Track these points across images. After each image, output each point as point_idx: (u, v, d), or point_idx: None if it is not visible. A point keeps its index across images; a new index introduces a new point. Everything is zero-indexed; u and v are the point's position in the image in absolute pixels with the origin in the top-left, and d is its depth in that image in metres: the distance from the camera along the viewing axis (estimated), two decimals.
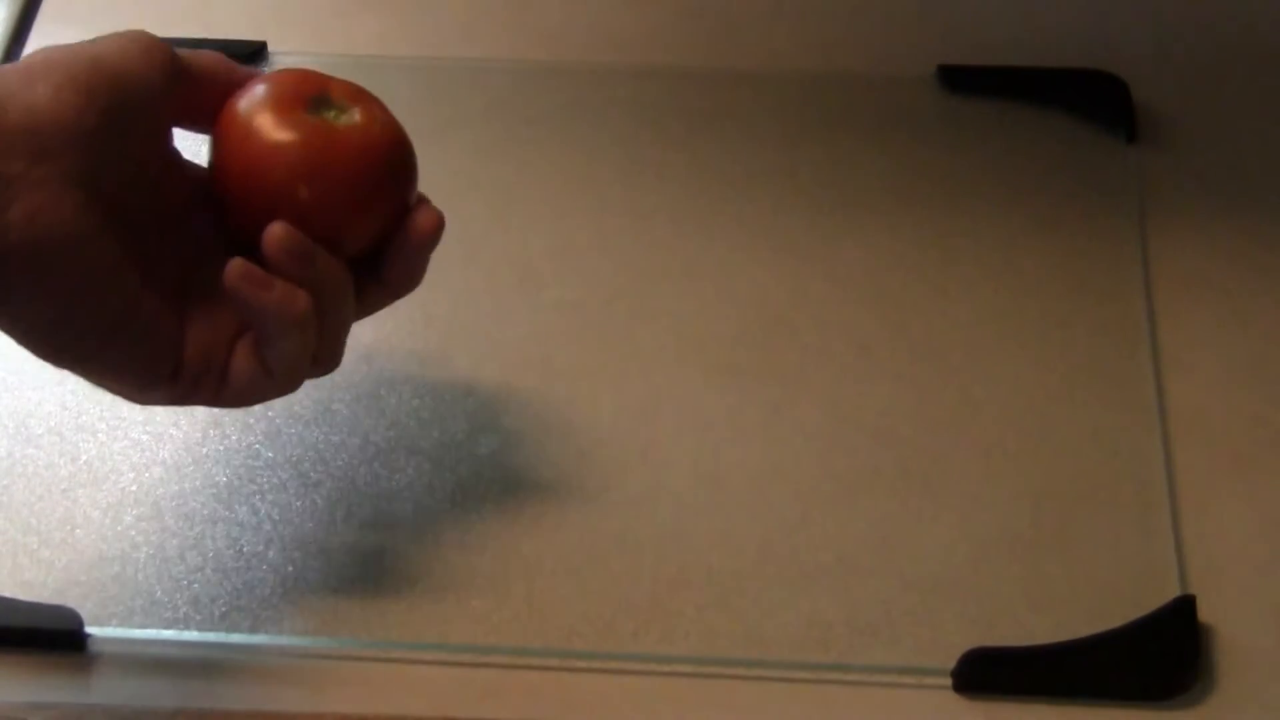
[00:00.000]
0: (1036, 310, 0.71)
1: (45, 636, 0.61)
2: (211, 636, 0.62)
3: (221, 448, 0.67)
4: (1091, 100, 0.78)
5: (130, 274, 0.54)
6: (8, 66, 0.54)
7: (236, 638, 0.62)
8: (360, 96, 0.58)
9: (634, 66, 0.81)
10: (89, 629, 0.61)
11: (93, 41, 0.55)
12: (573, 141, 0.77)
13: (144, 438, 0.67)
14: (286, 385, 0.58)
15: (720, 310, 0.72)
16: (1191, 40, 0.82)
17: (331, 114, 0.57)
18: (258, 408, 0.68)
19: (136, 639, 0.62)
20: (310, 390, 0.68)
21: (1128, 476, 0.66)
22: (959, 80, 0.80)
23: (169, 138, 0.58)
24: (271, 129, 0.56)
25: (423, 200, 0.59)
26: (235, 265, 0.55)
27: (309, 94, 0.57)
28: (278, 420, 0.68)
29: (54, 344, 0.55)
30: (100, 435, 0.67)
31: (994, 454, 0.67)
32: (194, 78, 0.57)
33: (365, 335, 0.70)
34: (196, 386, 0.57)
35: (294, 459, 0.67)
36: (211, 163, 0.58)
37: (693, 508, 0.65)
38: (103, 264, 0.53)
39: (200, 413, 0.68)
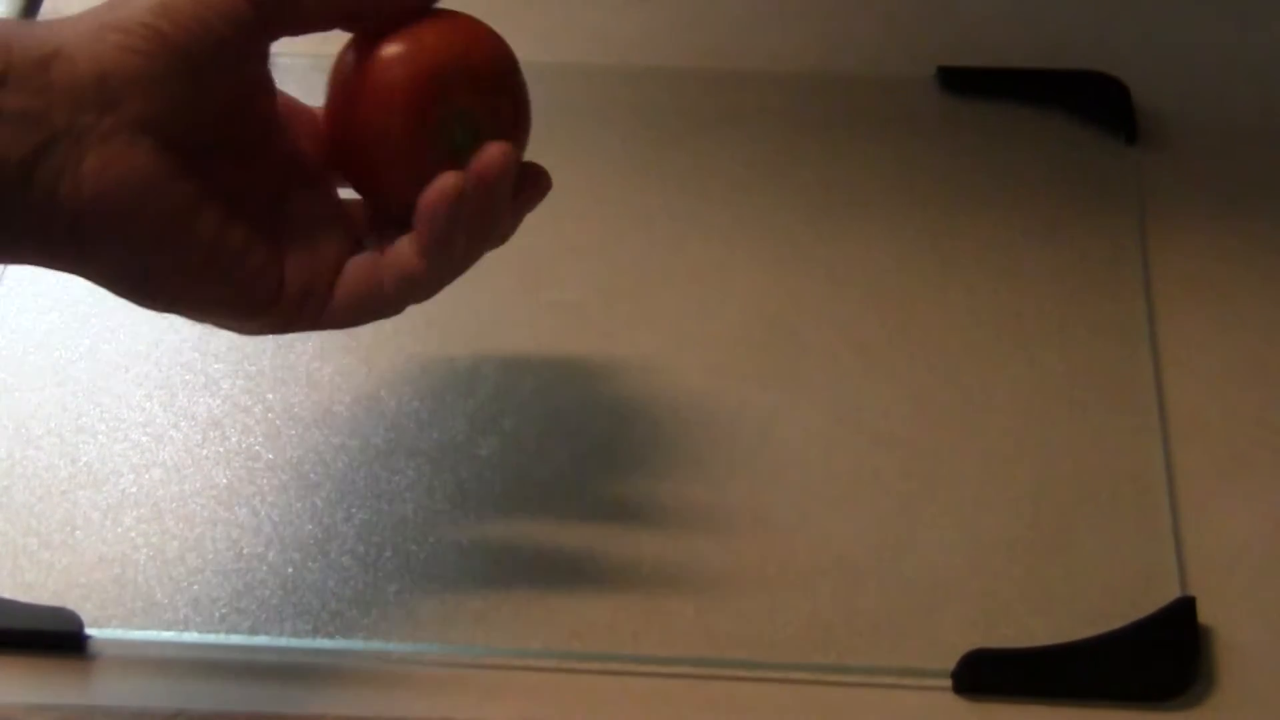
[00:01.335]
0: (1036, 311, 0.71)
1: (45, 638, 0.61)
2: (211, 638, 0.62)
3: (221, 449, 0.67)
4: (1091, 102, 0.78)
5: (212, 212, 0.54)
6: (78, 16, 0.53)
7: (236, 639, 0.62)
8: (493, 98, 0.58)
9: (634, 67, 0.81)
10: (89, 631, 0.61)
11: None
12: (573, 141, 0.77)
13: (144, 439, 0.67)
14: (398, 308, 0.59)
15: (720, 311, 0.72)
16: (1191, 41, 0.82)
17: (457, 138, 0.56)
18: (257, 408, 0.68)
19: (136, 641, 0.62)
20: (310, 392, 0.69)
21: (1128, 476, 0.66)
22: (959, 82, 0.80)
23: (259, 64, 0.56)
24: (399, 149, 0.56)
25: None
26: (451, 182, 0.55)
27: (440, 96, 0.56)
28: (278, 422, 0.68)
29: (143, 289, 0.54)
30: (100, 437, 0.67)
31: (994, 454, 0.67)
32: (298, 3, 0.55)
33: (365, 336, 0.70)
34: (300, 312, 0.57)
35: (294, 461, 0.67)
36: (328, 115, 0.58)
37: (693, 508, 0.65)
38: (181, 208, 0.53)
39: (201, 414, 0.68)
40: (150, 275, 0.54)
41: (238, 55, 0.54)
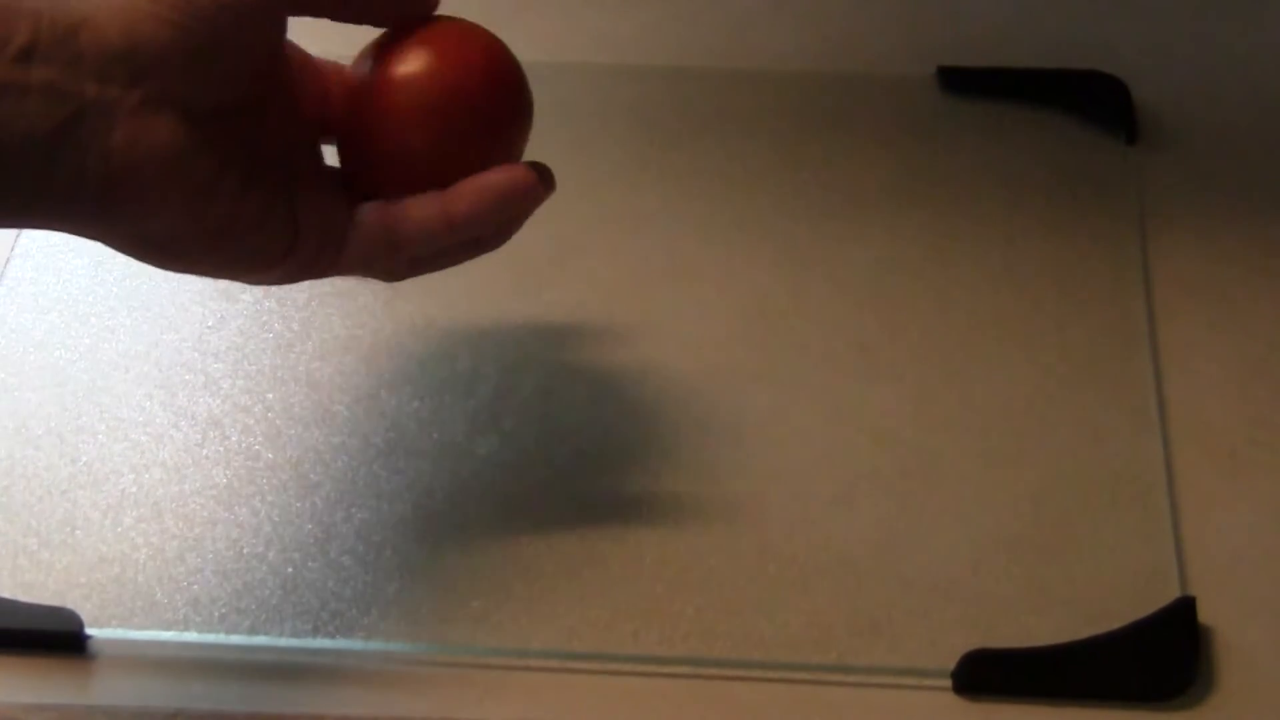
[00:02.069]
0: (1036, 311, 0.71)
1: (45, 638, 0.61)
2: (211, 638, 0.62)
3: (221, 449, 0.67)
4: (1091, 101, 0.78)
5: (232, 179, 0.54)
6: None
7: (236, 639, 0.62)
8: (506, 106, 0.60)
9: (633, 66, 0.81)
10: (89, 630, 0.61)
11: None
12: (572, 141, 0.77)
13: (144, 439, 0.67)
14: (407, 271, 0.60)
15: (720, 310, 0.72)
16: (1191, 40, 0.82)
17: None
18: (257, 408, 0.68)
19: (136, 640, 0.62)
20: (310, 391, 0.69)
21: (1128, 477, 0.66)
22: (959, 81, 0.80)
23: (278, 37, 0.57)
24: (419, 163, 0.58)
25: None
26: (525, 174, 0.59)
27: (461, 113, 0.59)
28: (278, 422, 0.68)
29: (165, 254, 0.55)
30: (100, 437, 0.67)
31: (994, 455, 0.67)
32: None
33: (365, 336, 0.71)
34: (315, 262, 0.58)
35: (294, 460, 0.67)
36: (344, 124, 0.59)
37: (693, 508, 0.65)
38: (205, 178, 0.53)
39: (201, 414, 0.68)
40: (173, 241, 0.54)
41: (262, 29, 0.55)
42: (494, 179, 0.58)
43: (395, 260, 0.59)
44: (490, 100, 0.59)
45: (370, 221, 0.58)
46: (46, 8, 0.51)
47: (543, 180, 0.60)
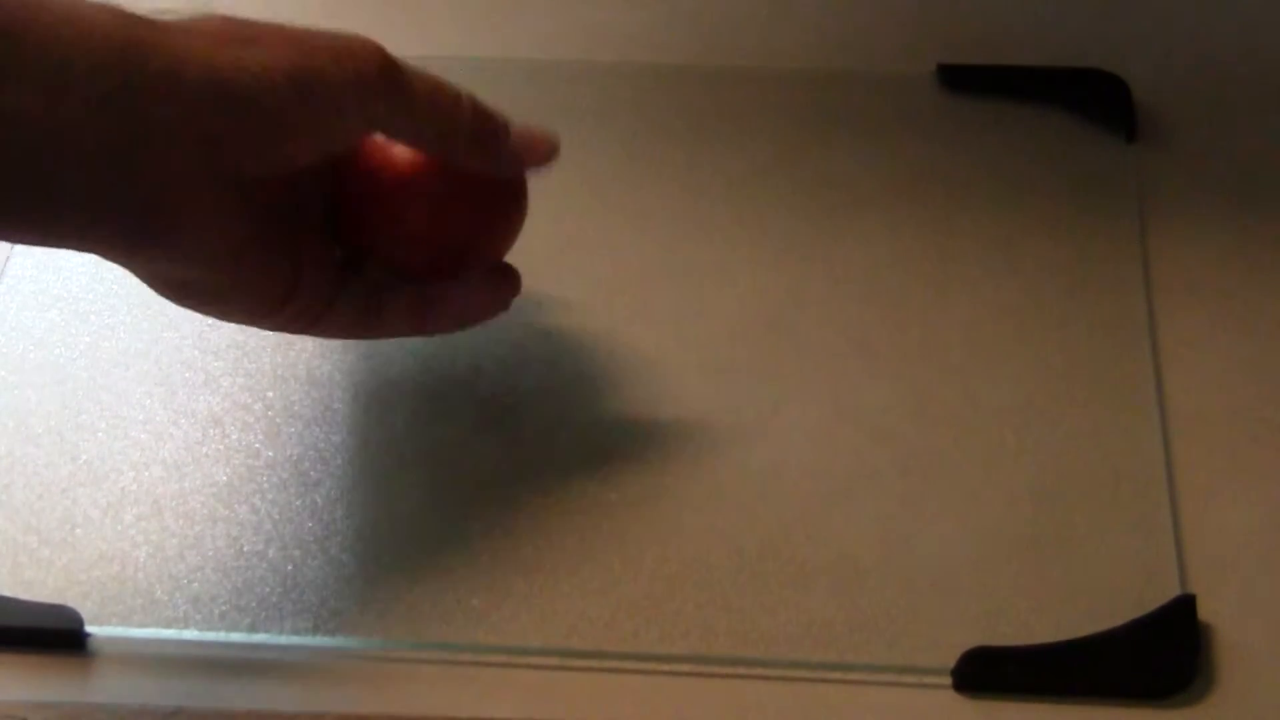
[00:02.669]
0: (1036, 309, 0.71)
1: (45, 636, 0.61)
2: (211, 636, 0.62)
3: (221, 447, 0.67)
4: (1091, 100, 0.79)
5: (260, 215, 0.56)
6: (213, 33, 0.55)
7: (236, 637, 0.62)
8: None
9: (634, 66, 0.81)
10: (89, 628, 0.61)
11: (311, 36, 0.56)
12: (571, 138, 0.77)
13: (144, 436, 0.67)
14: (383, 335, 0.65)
15: (719, 308, 0.72)
16: (1191, 40, 0.82)
17: None
18: (257, 405, 0.68)
19: (136, 638, 0.62)
20: (310, 389, 0.69)
21: (1128, 476, 0.66)
22: (959, 79, 0.80)
23: (337, 144, 0.59)
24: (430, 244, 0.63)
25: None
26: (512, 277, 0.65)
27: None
28: (278, 419, 0.68)
29: (184, 291, 0.58)
30: (100, 434, 0.67)
31: (994, 453, 0.67)
32: (404, 105, 0.59)
33: None
34: (301, 314, 0.60)
35: (294, 458, 0.67)
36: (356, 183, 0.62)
37: (693, 507, 0.65)
38: (245, 210, 0.56)
39: (201, 411, 0.68)
40: (195, 285, 0.57)
41: (332, 143, 0.58)
42: (479, 300, 0.65)
43: (372, 335, 0.64)
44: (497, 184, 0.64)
45: (356, 300, 0.61)
46: (120, 31, 0.52)
47: (511, 288, 0.66)
